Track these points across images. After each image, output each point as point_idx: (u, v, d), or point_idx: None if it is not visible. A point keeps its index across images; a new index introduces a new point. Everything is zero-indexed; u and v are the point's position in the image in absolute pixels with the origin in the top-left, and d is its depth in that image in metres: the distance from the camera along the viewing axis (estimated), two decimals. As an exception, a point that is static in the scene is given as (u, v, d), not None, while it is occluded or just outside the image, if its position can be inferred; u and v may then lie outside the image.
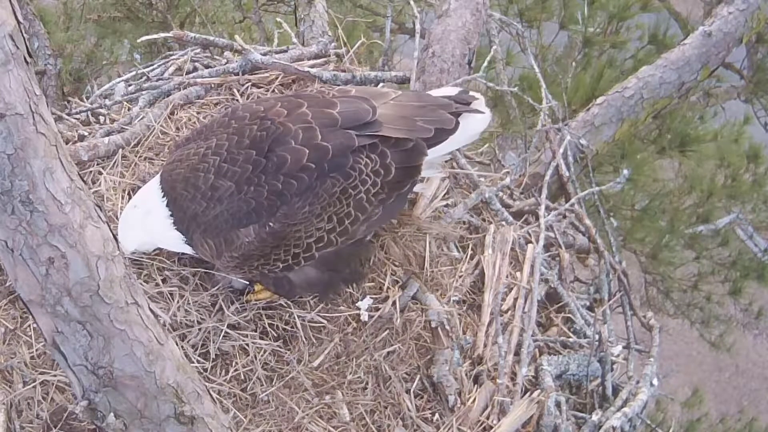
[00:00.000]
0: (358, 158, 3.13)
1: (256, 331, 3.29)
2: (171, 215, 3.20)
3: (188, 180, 3.17)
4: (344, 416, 3.16)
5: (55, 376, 3.09)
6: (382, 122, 3.20)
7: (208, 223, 3.12)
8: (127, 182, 3.63)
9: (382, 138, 3.18)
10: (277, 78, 4.16)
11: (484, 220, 3.85)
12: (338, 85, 4.03)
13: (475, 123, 3.44)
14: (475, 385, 3.29)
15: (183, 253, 3.36)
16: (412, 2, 4.83)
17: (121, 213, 3.41)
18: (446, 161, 3.81)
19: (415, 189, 3.48)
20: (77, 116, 4.10)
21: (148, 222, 3.24)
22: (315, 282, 3.31)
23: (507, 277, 3.59)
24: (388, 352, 3.32)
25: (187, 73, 4.29)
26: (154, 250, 3.39)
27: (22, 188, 2.09)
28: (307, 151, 3.07)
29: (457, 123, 3.31)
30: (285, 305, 3.35)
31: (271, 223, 3.06)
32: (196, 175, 3.16)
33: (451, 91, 3.65)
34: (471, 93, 3.55)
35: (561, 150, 4.18)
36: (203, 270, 3.36)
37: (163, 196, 3.23)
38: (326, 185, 3.09)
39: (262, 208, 3.06)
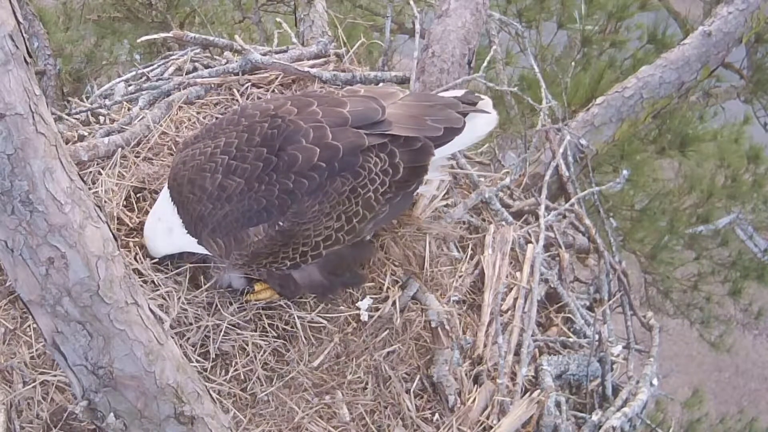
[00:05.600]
0: (367, 157, 3.14)
1: (255, 331, 3.29)
2: (182, 222, 3.23)
3: (194, 182, 3.18)
4: (344, 416, 3.16)
5: (55, 376, 3.08)
6: (391, 121, 3.22)
7: (216, 223, 3.13)
8: (126, 183, 3.62)
9: (391, 137, 3.19)
10: (277, 78, 4.17)
11: (484, 220, 3.85)
12: (338, 86, 4.04)
13: (482, 124, 3.44)
14: (475, 385, 3.29)
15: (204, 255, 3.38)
16: (412, 2, 4.82)
17: (144, 224, 3.44)
18: (448, 161, 3.82)
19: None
20: (77, 116, 4.10)
21: (169, 233, 3.29)
22: (317, 283, 3.31)
23: (507, 277, 3.59)
24: (388, 352, 3.32)
25: (187, 73, 4.29)
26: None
27: (22, 188, 2.09)
28: (318, 150, 3.08)
29: (464, 123, 3.32)
30: (285, 305, 3.35)
31: (281, 222, 3.07)
32: (202, 176, 3.16)
33: (457, 92, 3.65)
34: (477, 94, 3.54)
35: (561, 150, 4.18)
36: (201, 266, 3.37)
37: (173, 204, 3.25)
38: (336, 184, 3.10)
39: (273, 207, 3.07)
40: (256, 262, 3.15)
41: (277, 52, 4.39)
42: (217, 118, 3.80)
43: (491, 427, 3.17)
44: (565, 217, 4.05)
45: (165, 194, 3.33)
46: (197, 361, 3.16)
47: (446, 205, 3.80)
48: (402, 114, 3.26)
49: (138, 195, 3.62)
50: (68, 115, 4.11)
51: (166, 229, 3.29)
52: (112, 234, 2.32)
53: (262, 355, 3.23)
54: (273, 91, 4.12)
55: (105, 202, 3.52)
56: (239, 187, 3.09)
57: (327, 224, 3.13)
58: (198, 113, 3.99)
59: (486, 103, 3.47)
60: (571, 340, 3.61)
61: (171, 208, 3.26)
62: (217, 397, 3.01)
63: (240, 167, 3.11)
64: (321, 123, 3.14)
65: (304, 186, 3.06)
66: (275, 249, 3.11)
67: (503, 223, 3.83)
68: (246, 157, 3.12)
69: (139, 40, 5.10)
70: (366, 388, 3.25)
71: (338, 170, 3.09)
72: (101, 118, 4.09)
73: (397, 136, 3.20)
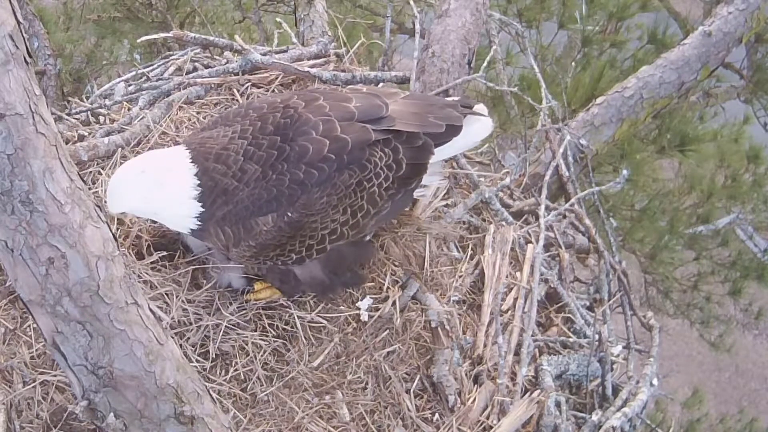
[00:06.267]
0: (373, 152, 3.17)
1: (255, 331, 3.29)
2: (199, 185, 3.10)
3: (220, 156, 3.13)
4: (344, 416, 3.16)
5: (55, 376, 3.08)
6: (395, 117, 3.25)
7: (231, 207, 3.10)
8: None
9: (395, 134, 3.23)
10: (277, 78, 4.17)
11: (484, 220, 3.86)
12: (338, 86, 4.05)
13: (478, 129, 3.51)
14: (475, 385, 3.30)
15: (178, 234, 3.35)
16: (412, 2, 4.82)
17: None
18: (445, 164, 3.82)
19: (415, 195, 3.50)
20: (77, 116, 4.10)
21: (160, 188, 3.10)
22: (318, 281, 3.32)
23: (507, 277, 3.59)
24: (388, 352, 3.32)
25: (187, 73, 4.29)
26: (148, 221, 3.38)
27: (22, 188, 2.10)
28: (328, 143, 3.11)
29: (461, 126, 3.36)
30: (285, 305, 3.35)
31: (289, 213, 3.08)
32: (227, 154, 3.13)
33: (452, 99, 3.71)
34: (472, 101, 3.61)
35: (561, 150, 4.18)
36: (200, 267, 3.36)
37: (194, 165, 3.12)
38: (344, 177, 3.12)
39: (282, 197, 3.08)
40: (263, 254, 3.15)
41: (277, 52, 4.39)
42: (221, 113, 3.79)
43: (491, 427, 3.18)
44: (565, 217, 4.05)
45: (176, 154, 3.18)
46: (197, 361, 3.16)
47: (446, 205, 3.81)
48: (405, 111, 3.30)
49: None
50: (68, 115, 4.11)
51: (155, 179, 3.09)
52: (112, 234, 2.32)
53: (262, 355, 3.23)
54: (273, 91, 4.12)
55: (105, 202, 3.51)
56: (256, 174, 3.09)
57: (333, 217, 3.14)
58: (198, 113, 3.99)
59: (482, 108, 3.53)
60: (571, 340, 3.61)
61: (188, 168, 3.11)
62: (217, 397, 3.01)
63: (257, 154, 3.12)
64: (329, 116, 3.17)
65: (313, 177, 3.08)
66: (283, 241, 3.12)
67: (503, 223, 3.83)
68: (261, 145, 3.13)
69: (139, 40, 5.11)
70: (366, 388, 3.25)
71: (347, 163, 3.12)
72: (101, 118, 4.09)
73: (400, 133, 3.24)
